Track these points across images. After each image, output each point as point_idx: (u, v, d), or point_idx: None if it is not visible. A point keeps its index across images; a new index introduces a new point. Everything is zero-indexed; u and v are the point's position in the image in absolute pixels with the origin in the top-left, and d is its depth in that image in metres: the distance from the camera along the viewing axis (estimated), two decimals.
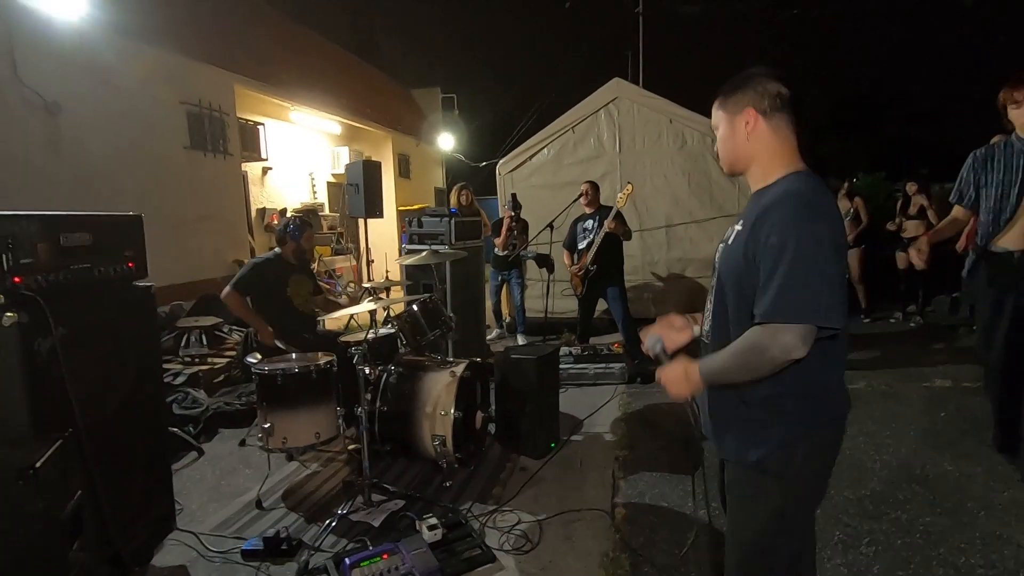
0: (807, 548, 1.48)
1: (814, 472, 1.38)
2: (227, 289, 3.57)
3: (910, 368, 4.60)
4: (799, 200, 1.27)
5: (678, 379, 1.37)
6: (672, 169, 6.50)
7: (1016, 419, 2.74)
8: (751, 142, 1.39)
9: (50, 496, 1.55)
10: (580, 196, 4.90)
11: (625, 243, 4.82)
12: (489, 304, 6.16)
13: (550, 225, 5.36)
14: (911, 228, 6.10)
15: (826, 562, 2.20)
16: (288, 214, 8.41)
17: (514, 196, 5.94)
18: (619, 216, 4.64)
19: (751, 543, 1.42)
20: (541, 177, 6.86)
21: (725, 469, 1.52)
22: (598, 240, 4.65)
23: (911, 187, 6.24)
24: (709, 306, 1.45)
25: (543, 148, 6.91)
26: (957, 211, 2.87)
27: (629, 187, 4.64)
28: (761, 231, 1.26)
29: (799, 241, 1.21)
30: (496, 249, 6.00)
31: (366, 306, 3.05)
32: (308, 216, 4.03)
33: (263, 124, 7.94)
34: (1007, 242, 2.65)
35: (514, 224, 5.78)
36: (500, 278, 6.18)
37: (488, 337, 6.32)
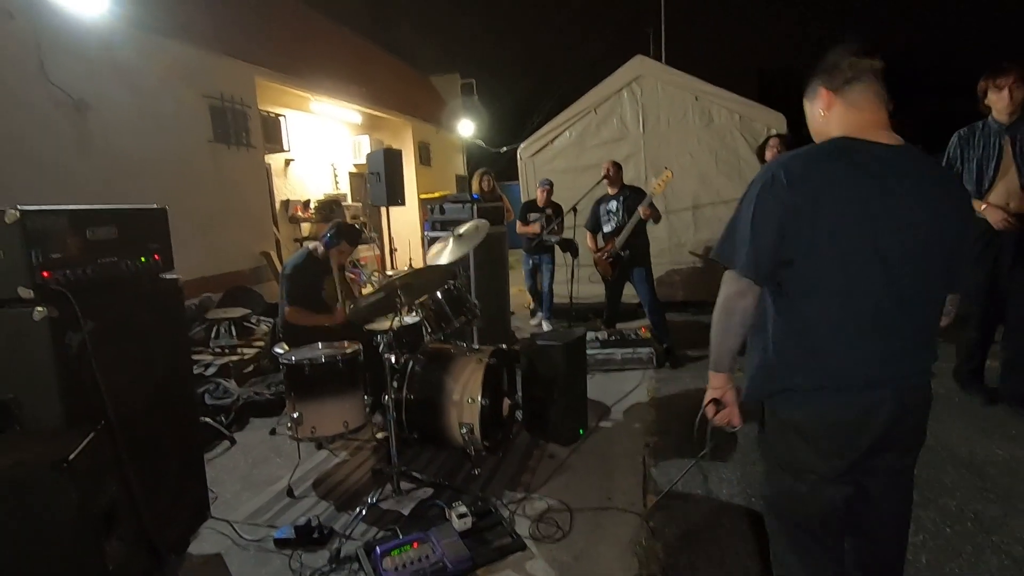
0: (815, 534, 1.42)
1: (787, 447, 1.38)
2: (287, 309, 3.53)
3: (951, 347, 4.41)
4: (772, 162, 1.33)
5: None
6: (699, 148, 6.31)
7: (983, 358, 3.40)
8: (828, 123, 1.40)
9: (85, 488, 1.57)
10: (603, 177, 4.76)
11: (651, 225, 4.69)
12: (519, 288, 6.13)
13: (573, 208, 5.26)
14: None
15: None
16: (311, 205, 8.48)
17: (551, 183, 5.88)
18: (648, 200, 4.51)
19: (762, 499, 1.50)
20: (563, 160, 6.74)
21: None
22: (629, 227, 4.50)
23: None
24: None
25: (565, 131, 6.78)
26: None
27: (668, 173, 4.33)
28: None
29: (744, 196, 1.34)
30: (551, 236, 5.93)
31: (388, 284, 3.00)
32: (352, 230, 3.84)
33: (284, 115, 7.98)
34: (985, 211, 3.00)
35: (549, 210, 5.70)
36: (531, 262, 6.09)
37: (532, 322, 6.31)
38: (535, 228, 5.80)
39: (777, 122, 6.09)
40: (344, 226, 3.75)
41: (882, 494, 1.42)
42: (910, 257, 1.27)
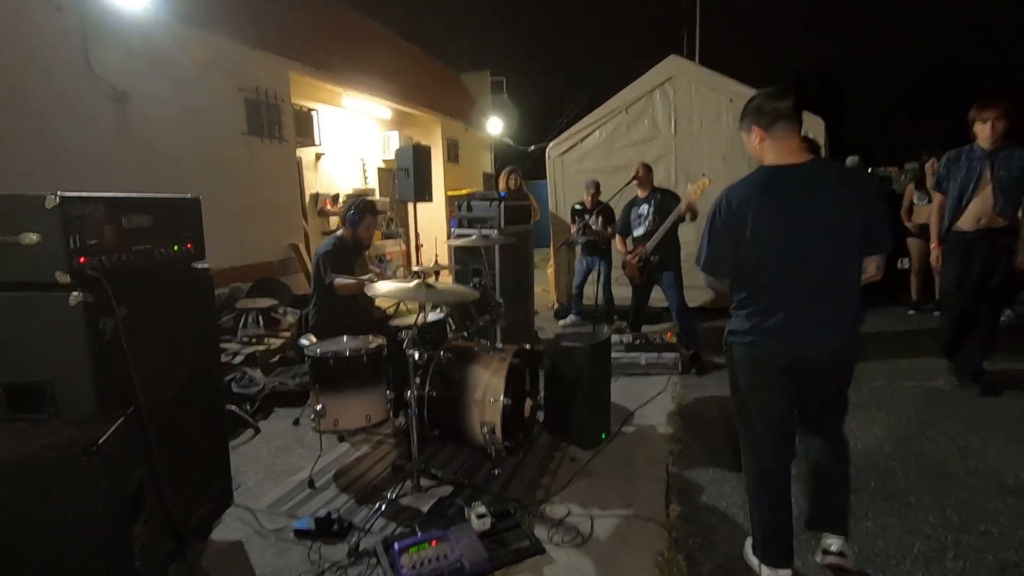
0: (763, 434, 2.02)
1: (742, 370, 2.02)
2: (333, 282, 3.47)
3: (995, 368, 4.22)
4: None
5: None
6: (732, 151, 6.17)
7: (961, 343, 3.88)
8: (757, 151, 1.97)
9: (114, 472, 1.59)
10: (632, 178, 4.67)
11: (681, 229, 4.59)
12: (543, 288, 6.04)
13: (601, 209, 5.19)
14: (923, 213, 5.41)
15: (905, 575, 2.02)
16: (341, 200, 8.56)
17: (597, 184, 5.76)
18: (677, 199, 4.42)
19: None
20: (592, 161, 6.67)
21: None
22: (661, 233, 4.41)
23: (931, 165, 5.56)
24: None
25: (595, 131, 6.71)
26: (938, 198, 3.80)
27: (706, 180, 4.22)
28: None
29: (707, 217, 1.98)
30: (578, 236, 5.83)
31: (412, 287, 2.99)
32: (372, 203, 3.87)
33: (316, 110, 8.07)
34: (963, 223, 3.59)
35: (587, 214, 5.59)
36: (586, 263, 5.96)
37: (560, 322, 6.25)
38: (574, 229, 5.71)
39: (815, 126, 5.88)
40: (360, 202, 3.80)
41: (809, 396, 2.00)
42: (819, 242, 1.83)
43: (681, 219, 4.39)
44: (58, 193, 1.75)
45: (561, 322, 6.29)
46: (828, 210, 1.82)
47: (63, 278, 1.79)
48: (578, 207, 5.95)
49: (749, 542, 2.15)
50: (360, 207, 3.74)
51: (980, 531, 2.26)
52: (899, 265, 6.08)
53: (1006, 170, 3.40)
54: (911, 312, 6.00)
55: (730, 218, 1.88)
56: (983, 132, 3.44)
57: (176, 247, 2.23)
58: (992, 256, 3.53)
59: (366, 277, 3.56)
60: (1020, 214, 3.60)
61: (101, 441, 1.55)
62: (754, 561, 2.08)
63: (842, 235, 1.83)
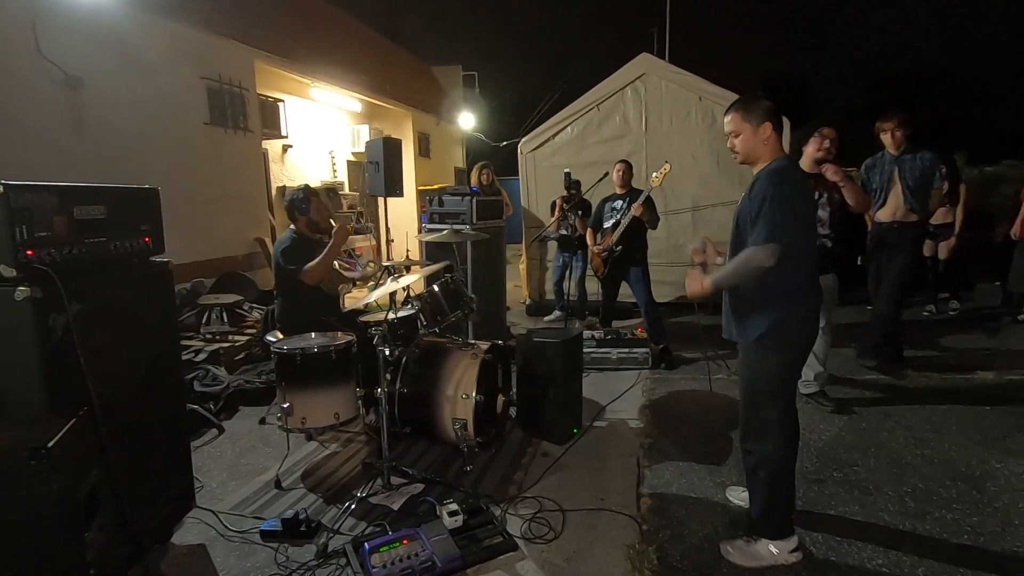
0: (792, 394, 2.18)
1: (796, 348, 2.10)
2: (304, 273, 3.28)
3: (949, 359, 4.41)
4: (777, 172, 2.02)
5: (696, 281, 2.13)
6: (700, 148, 6.27)
7: (891, 341, 4.23)
8: (767, 144, 2.09)
9: (65, 475, 1.51)
10: (612, 174, 4.70)
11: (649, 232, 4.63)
12: (515, 284, 6.01)
13: (567, 205, 5.20)
14: (939, 215, 5.67)
15: (867, 562, 2.09)
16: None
17: (568, 174, 5.68)
18: (649, 202, 4.43)
19: (763, 389, 2.11)
20: (564, 156, 6.68)
21: (739, 349, 2.20)
22: (625, 222, 4.46)
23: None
24: (728, 248, 2.16)
25: (567, 127, 6.72)
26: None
27: (667, 166, 4.26)
28: (755, 190, 2.03)
29: (773, 194, 1.95)
30: (550, 231, 5.80)
31: (388, 287, 2.95)
32: (307, 186, 3.71)
33: (283, 101, 7.87)
34: (881, 216, 4.07)
35: (566, 205, 5.55)
36: (563, 259, 5.96)
37: (547, 317, 6.24)
38: (557, 209, 5.66)
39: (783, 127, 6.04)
40: (299, 190, 3.60)
41: None
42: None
43: (649, 224, 4.44)
44: (1, 182, 1.65)
45: (546, 318, 6.29)
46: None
47: (8, 272, 1.69)
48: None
49: (765, 542, 2.12)
50: (302, 195, 3.55)
51: (935, 517, 2.35)
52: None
53: (910, 172, 3.89)
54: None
55: (808, 196, 2.19)
56: (887, 140, 3.96)
57: (132, 240, 2.14)
58: (900, 242, 3.98)
59: (330, 249, 3.33)
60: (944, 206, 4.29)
61: (51, 443, 1.47)
62: (771, 551, 2.10)
63: None
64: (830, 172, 3.32)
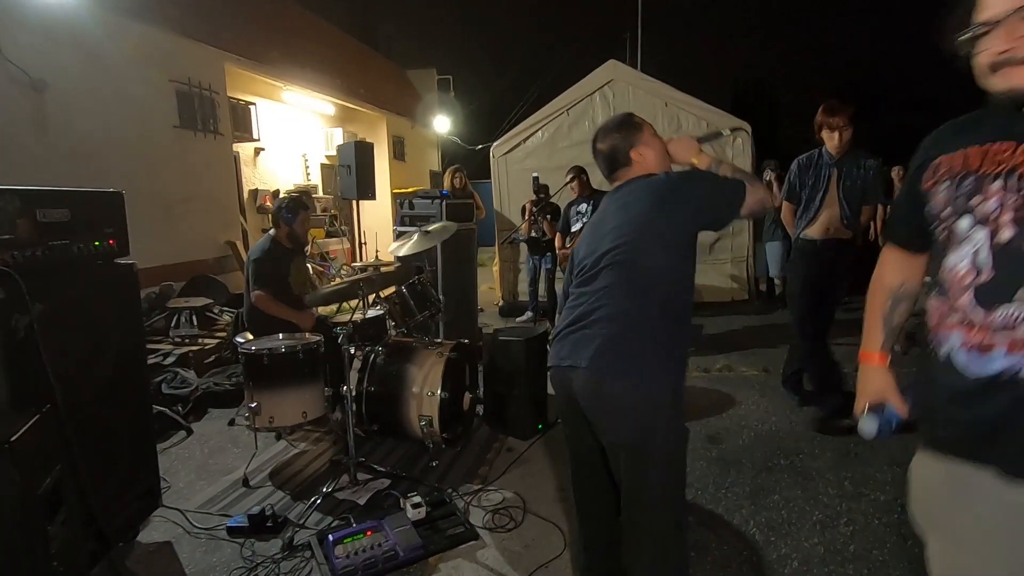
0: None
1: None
2: (256, 293, 3.38)
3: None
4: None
5: (688, 144, 1.82)
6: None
7: (819, 370, 3.44)
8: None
9: (27, 471, 1.55)
10: (569, 182, 4.87)
11: None
12: (488, 287, 6.09)
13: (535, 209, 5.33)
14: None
15: (804, 541, 2.23)
16: (281, 195, 8.35)
17: (536, 178, 5.77)
18: None
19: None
20: (535, 160, 6.80)
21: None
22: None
23: (898, 172, 6.14)
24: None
25: (537, 131, 6.85)
26: (787, 208, 3.52)
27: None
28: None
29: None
30: (519, 234, 5.89)
31: (351, 279, 3.01)
32: (304, 198, 3.76)
33: (255, 104, 7.86)
34: (811, 232, 3.34)
35: (535, 209, 5.64)
36: (532, 262, 6.06)
37: (519, 318, 6.32)
38: (527, 214, 5.76)
39: (745, 130, 6.29)
40: (292, 198, 3.69)
41: None
42: None
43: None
44: None
45: (518, 319, 6.39)
46: None
47: None
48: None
49: None
50: (293, 203, 3.62)
51: (870, 499, 2.51)
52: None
53: (850, 179, 3.23)
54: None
55: None
56: (831, 141, 3.23)
57: (97, 243, 2.17)
58: (837, 271, 3.33)
59: (293, 314, 3.44)
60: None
61: (13, 439, 1.51)
62: None
63: None
64: None
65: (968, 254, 0.99)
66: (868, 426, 1.24)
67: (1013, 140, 0.96)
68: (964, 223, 1.01)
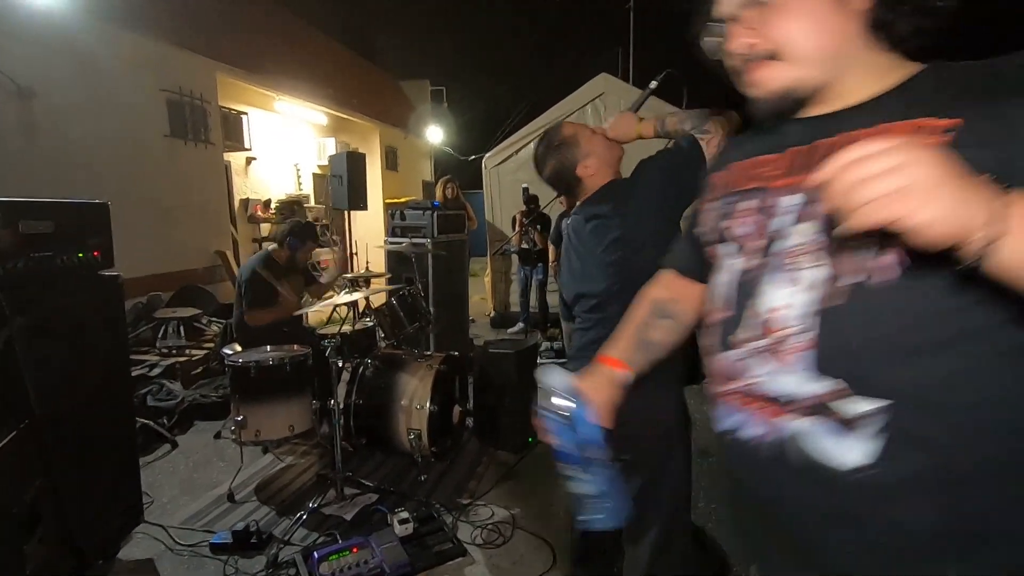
0: None
1: None
2: (248, 316, 3.41)
3: None
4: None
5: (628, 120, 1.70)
6: None
7: None
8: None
9: (3, 486, 1.52)
10: (558, 196, 4.87)
11: None
12: (480, 297, 6.10)
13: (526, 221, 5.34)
14: None
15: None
16: (272, 205, 8.32)
17: (525, 189, 5.79)
18: None
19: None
20: (527, 172, 6.82)
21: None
22: None
23: None
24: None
25: (529, 143, 6.87)
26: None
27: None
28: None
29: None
30: (510, 245, 5.91)
31: (346, 297, 3.00)
32: (315, 228, 3.77)
33: (247, 113, 7.83)
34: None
35: (526, 220, 5.65)
36: (524, 273, 6.07)
37: (510, 329, 6.31)
38: (518, 225, 5.79)
39: None
40: (301, 226, 3.71)
41: None
42: None
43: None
44: None
45: (510, 330, 6.38)
46: None
47: None
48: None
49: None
50: (303, 231, 3.63)
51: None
52: None
53: None
54: None
55: None
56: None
57: (81, 254, 2.15)
58: None
59: (278, 310, 3.47)
60: None
61: None
62: None
63: None
64: None
65: (723, 283, 0.87)
66: (550, 379, 0.98)
67: (773, 152, 0.83)
68: (724, 248, 0.88)
